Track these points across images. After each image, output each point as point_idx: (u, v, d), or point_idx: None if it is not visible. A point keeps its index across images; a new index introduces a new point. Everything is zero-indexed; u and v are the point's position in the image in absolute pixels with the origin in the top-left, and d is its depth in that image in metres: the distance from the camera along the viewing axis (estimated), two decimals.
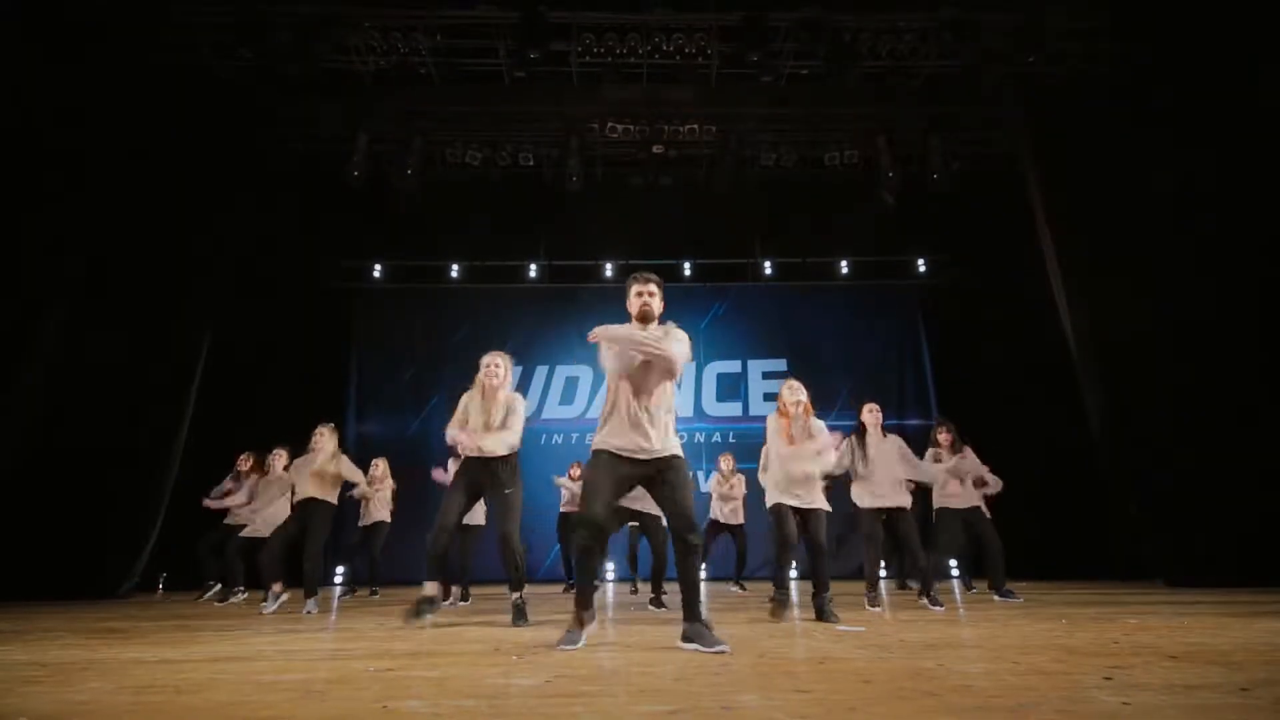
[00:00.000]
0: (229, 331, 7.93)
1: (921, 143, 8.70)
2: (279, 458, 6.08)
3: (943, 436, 5.50)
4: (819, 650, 2.64)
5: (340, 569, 7.78)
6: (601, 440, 2.84)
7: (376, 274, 10.02)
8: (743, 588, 6.90)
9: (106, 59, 6.77)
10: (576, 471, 7.05)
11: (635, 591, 6.61)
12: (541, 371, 9.93)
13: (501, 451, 3.80)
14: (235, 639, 3.26)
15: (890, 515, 4.70)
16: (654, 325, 2.93)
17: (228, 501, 6.49)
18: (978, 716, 1.55)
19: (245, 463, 6.60)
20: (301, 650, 2.84)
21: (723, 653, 2.50)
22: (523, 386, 9.81)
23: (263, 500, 6.11)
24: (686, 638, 2.67)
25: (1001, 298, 8.94)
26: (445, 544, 3.83)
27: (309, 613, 4.66)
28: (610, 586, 7.96)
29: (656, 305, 2.94)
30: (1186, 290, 6.54)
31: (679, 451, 2.86)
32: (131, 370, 6.73)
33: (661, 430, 2.83)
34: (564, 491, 7.26)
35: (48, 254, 6.46)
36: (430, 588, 3.73)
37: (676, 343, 2.86)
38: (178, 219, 7.17)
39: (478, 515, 5.35)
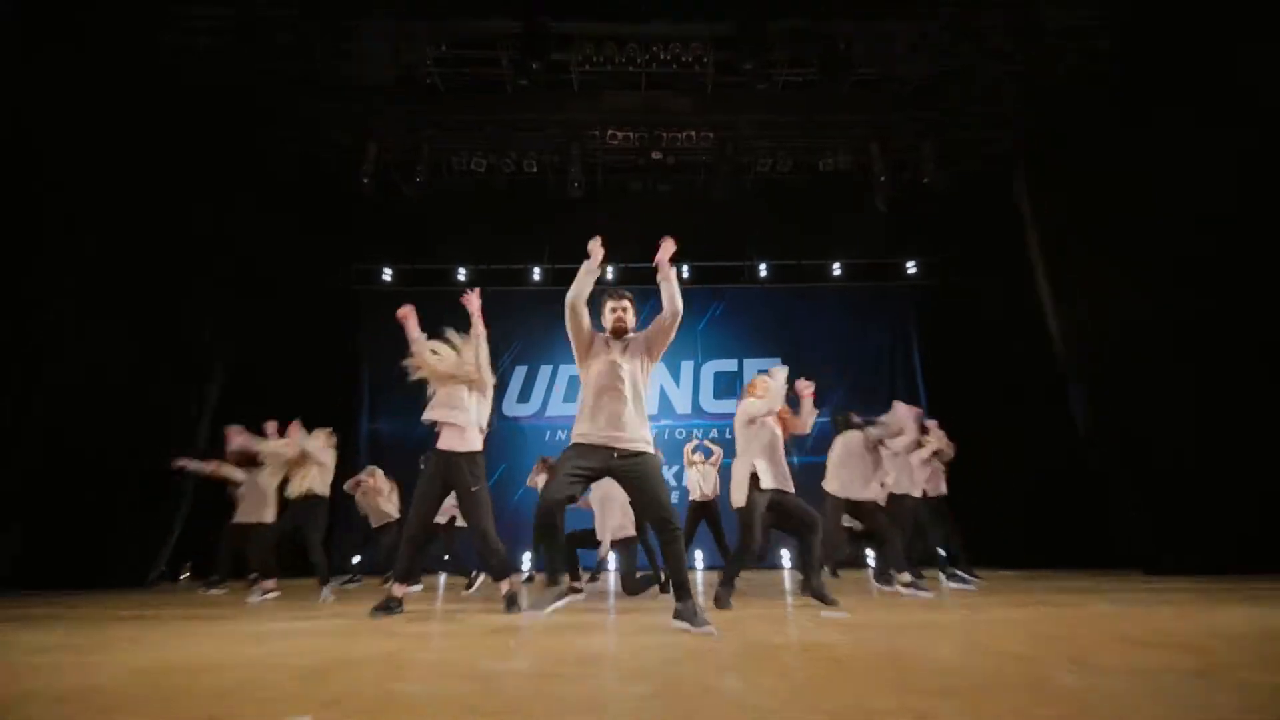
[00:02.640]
0: (245, 330, 8.13)
1: (914, 147, 8.80)
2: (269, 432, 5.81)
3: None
4: (805, 635, 2.74)
5: (356, 559, 7.86)
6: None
7: (386, 277, 10.27)
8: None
9: (107, 59, 6.81)
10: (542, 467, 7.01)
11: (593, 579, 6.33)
12: (546, 371, 10.29)
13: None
14: (251, 626, 3.36)
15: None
16: (629, 335, 3.09)
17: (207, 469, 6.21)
18: (941, 697, 1.65)
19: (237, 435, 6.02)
20: (312, 635, 2.94)
21: (709, 634, 2.61)
22: (528, 386, 10.19)
23: (248, 484, 6.02)
24: (678, 615, 2.81)
25: (992, 298, 9.02)
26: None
27: (325, 599, 4.85)
28: (611, 579, 8.02)
29: (629, 319, 3.13)
30: (1179, 288, 6.55)
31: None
32: (144, 370, 6.90)
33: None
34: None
35: (55, 253, 6.58)
36: (398, 589, 3.86)
37: None
38: (179, 219, 7.29)
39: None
